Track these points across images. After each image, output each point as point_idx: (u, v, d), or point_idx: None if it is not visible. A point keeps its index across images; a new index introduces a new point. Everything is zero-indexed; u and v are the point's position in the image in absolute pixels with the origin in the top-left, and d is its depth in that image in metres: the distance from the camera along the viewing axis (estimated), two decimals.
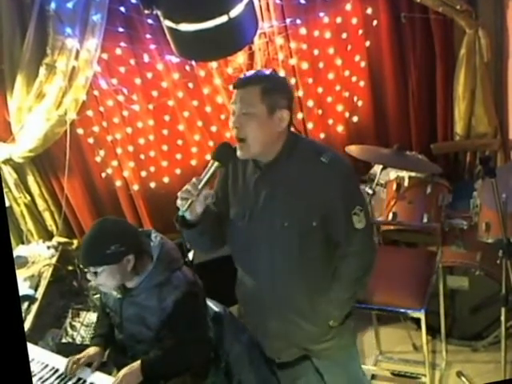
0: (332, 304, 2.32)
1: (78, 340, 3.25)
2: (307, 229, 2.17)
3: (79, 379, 2.48)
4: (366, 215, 2.21)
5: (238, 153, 2.15)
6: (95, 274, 2.38)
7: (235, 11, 2.40)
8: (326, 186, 2.14)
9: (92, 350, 2.61)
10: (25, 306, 3.18)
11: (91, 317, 3.38)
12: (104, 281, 2.43)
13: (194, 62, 3.74)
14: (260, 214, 2.22)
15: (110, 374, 2.58)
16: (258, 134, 2.10)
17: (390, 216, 3.45)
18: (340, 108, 4.11)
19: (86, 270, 2.44)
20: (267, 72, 2.28)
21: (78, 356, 2.57)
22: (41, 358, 2.61)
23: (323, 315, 2.35)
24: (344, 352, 2.52)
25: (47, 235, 4.01)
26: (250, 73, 2.26)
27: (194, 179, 2.11)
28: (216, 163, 2.11)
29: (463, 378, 3.31)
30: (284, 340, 2.48)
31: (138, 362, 2.40)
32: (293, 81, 3.94)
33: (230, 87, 2.21)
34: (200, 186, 2.07)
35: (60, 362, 2.59)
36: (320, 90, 4.04)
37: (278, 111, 2.11)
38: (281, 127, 2.14)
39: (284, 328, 2.41)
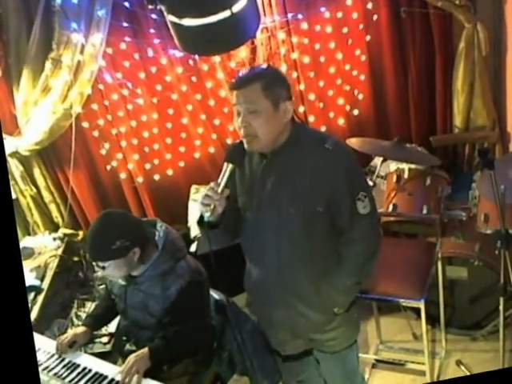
0: (337, 290, 2.33)
1: None
2: (313, 214, 2.20)
3: (84, 368, 2.49)
4: (370, 201, 2.23)
5: (247, 147, 2.18)
6: (103, 267, 2.42)
7: (238, 6, 2.42)
8: (330, 172, 2.17)
9: (78, 330, 2.66)
10: (31, 296, 3.21)
11: None
12: (111, 273, 2.48)
13: (197, 57, 3.75)
14: (267, 202, 2.25)
15: (115, 362, 2.61)
16: (266, 129, 2.13)
17: (391, 207, 3.46)
18: (341, 101, 4.13)
19: (93, 262, 2.49)
20: (263, 67, 2.32)
21: (64, 335, 2.62)
22: (47, 348, 2.64)
23: (328, 302, 2.36)
24: (347, 344, 2.53)
25: (53, 227, 4.02)
26: (246, 71, 2.23)
27: (211, 184, 2.16)
28: (230, 165, 2.16)
29: (462, 367, 3.36)
30: (289, 330, 2.50)
31: (146, 348, 2.43)
32: (294, 75, 3.97)
33: (229, 88, 2.19)
34: (220, 190, 2.13)
35: None
36: (321, 83, 4.06)
37: (282, 104, 2.14)
38: (286, 118, 2.18)
39: (289, 317, 2.43)
